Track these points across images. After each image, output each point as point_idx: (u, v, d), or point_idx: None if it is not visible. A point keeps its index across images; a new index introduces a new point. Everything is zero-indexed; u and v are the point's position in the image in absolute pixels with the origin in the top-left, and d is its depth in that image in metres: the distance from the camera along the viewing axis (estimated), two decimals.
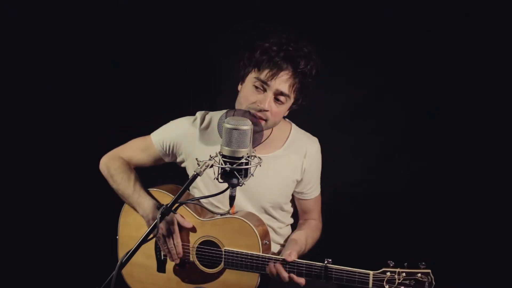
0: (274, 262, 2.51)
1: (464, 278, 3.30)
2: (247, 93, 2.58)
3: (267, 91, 2.54)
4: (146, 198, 2.68)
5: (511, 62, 3.25)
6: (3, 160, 3.54)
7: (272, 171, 2.71)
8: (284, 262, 2.50)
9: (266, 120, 2.57)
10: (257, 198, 2.74)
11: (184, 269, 2.71)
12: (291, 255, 2.50)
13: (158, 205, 2.63)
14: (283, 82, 2.54)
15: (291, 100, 2.61)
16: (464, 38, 3.28)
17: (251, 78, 2.58)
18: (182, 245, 2.67)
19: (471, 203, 3.36)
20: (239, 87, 2.67)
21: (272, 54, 2.53)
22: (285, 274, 2.49)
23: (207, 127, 2.75)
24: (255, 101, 2.55)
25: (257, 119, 2.54)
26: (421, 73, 3.34)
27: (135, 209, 2.72)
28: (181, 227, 2.67)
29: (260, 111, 2.55)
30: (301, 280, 2.49)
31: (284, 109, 2.61)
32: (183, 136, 2.75)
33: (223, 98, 2.90)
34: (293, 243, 2.70)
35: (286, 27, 3.17)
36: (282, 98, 2.56)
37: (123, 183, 2.74)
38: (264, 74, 2.53)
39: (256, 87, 2.56)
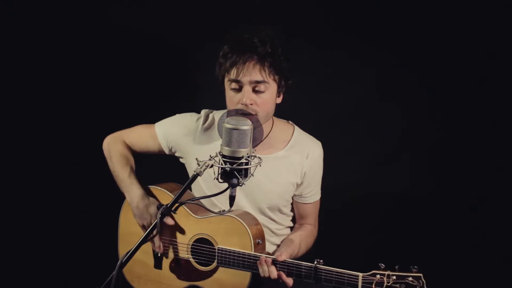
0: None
1: (463, 279, 3.29)
2: (229, 98, 2.62)
3: (243, 87, 2.56)
4: (137, 187, 2.74)
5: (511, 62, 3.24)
6: (3, 158, 3.56)
7: (272, 173, 2.71)
8: (275, 262, 2.50)
9: (256, 114, 2.57)
10: (255, 199, 2.75)
11: (179, 267, 2.73)
12: (282, 255, 2.50)
13: (159, 205, 2.66)
14: (252, 71, 2.55)
15: (273, 85, 2.60)
16: (464, 38, 3.26)
17: (226, 83, 2.62)
18: (177, 242, 2.70)
19: (471, 204, 3.35)
20: None
21: (230, 54, 2.56)
22: (274, 269, 2.49)
23: (209, 126, 2.77)
24: (238, 101, 2.57)
25: (251, 116, 2.55)
26: (421, 73, 3.33)
27: (124, 194, 2.78)
28: (173, 225, 2.70)
29: (246, 107, 2.56)
30: (289, 281, 2.49)
31: (269, 96, 2.60)
32: (185, 133, 2.77)
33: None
34: (287, 245, 2.72)
35: (286, 28, 3.19)
36: (261, 86, 2.57)
37: (120, 165, 2.80)
38: (232, 74, 2.56)
39: (234, 89, 2.59)
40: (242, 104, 2.56)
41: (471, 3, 3.20)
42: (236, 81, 2.56)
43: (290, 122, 2.84)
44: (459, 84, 3.31)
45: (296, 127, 2.82)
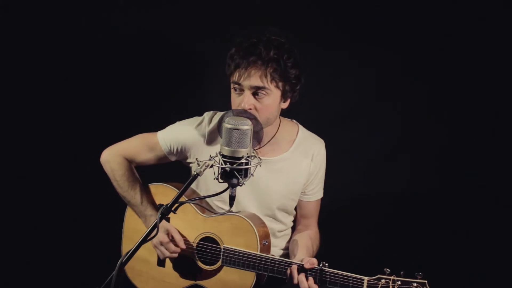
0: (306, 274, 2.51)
1: (464, 279, 3.32)
2: (232, 99, 2.62)
3: (244, 91, 2.56)
4: (153, 212, 2.75)
5: (511, 62, 3.25)
6: (6, 157, 3.55)
7: (279, 174, 2.73)
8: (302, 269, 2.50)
9: (255, 118, 2.55)
10: (265, 201, 2.75)
11: (183, 265, 2.74)
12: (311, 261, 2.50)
13: (159, 205, 2.66)
14: (253, 76, 2.53)
15: (275, 91, 2.58)
16: (464, 38, 3.28)
17: (231, 84, 2.61)
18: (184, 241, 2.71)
19: (471, 204, 3.36)
20: None
21: (235, 56, 2.56)
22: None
23: (215, 127, 2.75)
24: (238, 104, 2.57)
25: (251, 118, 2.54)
26: (421, 73, 3.34)
27: (139, 217, 2.79)
28: (180, 223, 2.72)
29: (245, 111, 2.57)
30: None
31: (270, 102, 2.57)
32: (192, 139, 2.75)
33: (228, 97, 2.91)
34: (303, 251, 2.71)
35: (286, 28, 3.18)
36: (261, 92, 2.55)
37: (130, 191, 2.79)
38: (235, 76, 2.56)
39: (235, 90, 2.59)
40: (240, 107, 2.56)
41: (471, 3, 3.21)
42: (238, 83, 2.56)
43: (294, 121, 2.84)
44: (459, 84, 3.32)
45: (300, 126, 2.83)
